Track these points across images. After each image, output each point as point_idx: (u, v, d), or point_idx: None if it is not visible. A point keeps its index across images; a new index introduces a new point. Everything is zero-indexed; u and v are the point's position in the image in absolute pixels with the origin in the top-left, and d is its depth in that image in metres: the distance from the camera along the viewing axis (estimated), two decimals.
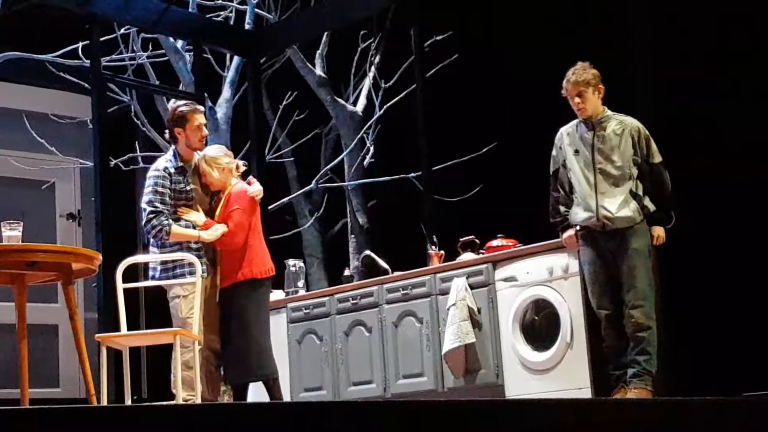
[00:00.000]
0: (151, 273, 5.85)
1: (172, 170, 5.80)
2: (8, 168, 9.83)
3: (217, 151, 6.02)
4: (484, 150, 8.69)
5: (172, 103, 6.51)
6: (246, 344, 5.83)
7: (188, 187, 5.83)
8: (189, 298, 5.63)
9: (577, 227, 5.91)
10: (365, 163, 9.90)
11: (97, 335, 5.39)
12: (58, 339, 10.09)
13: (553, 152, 6.01)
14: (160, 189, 5.75)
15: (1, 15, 8.39)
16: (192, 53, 9.37)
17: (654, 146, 5.82)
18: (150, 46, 9.65)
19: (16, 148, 9.98)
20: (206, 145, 6.01)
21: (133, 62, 9.54)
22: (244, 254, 5.89)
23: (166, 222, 5.69)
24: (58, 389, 9.88)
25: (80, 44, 8.97)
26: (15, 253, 4.42)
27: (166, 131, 6.00)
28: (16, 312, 4.65)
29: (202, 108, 6.01)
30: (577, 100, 5.79)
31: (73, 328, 4.70)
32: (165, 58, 9.59)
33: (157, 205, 5.72)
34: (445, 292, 6.69)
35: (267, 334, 6.00)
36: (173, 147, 5.91)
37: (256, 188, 5.97)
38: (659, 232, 5.80)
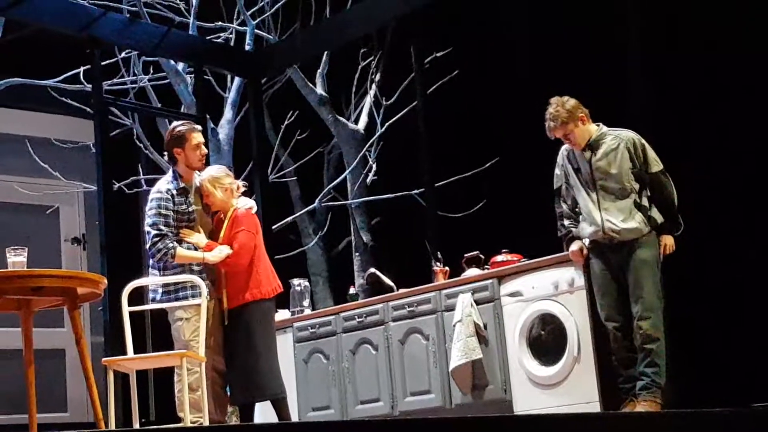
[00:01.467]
0: (151, 296, 5.83)
1: (174, 192, 5.81)
2: (12, 194, 9.85)
3: (219, 171, 6.03)
4: (487, 165, 8.70)
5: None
6: (253, 364, 5.82)
7: (190, 209, 5.84)
8: (192, 320, 5.63)
9: (586, 241, 5.93)
10: (368, 180, 9.90)
11: (103, 359, 5.39)
12: (65, 363, 10.08)
13: (556, 170, 6.05)
14: (163, 211, 5.76)
15: (3, 41, 8.42)
16: (193, 75, 9.40)
17: (651, 155, 5.82)
18: (151, 69, 9.68)
19: (20, 173, 10.00)
20: (207, 164, 6.03)
21: (134, 85, 9.57)
22: (251, 275, 5.90)
23: (171, 245, 5.70)
24: (66, 414, 9.87)
25: (81, 69, 9.00)
26: (20, 279, 4.42)
27: (165, 153, 6.02)
28: (22, 338, 4.64)
29: (199, 127, 6.02)
30: (564, 140, 5.86)
31: (79, 353, 4.70)
32: (166, 81, 9.62)
33: (162, 227, 5.73)
34: (450, 309, 6.68)
35: (274, 353, 6.00)
36: (173, 168, 5.92)
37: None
38: (668, 241, 5.81)
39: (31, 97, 9.38)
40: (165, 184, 5.85)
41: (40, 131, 9.92)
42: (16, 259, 4.56)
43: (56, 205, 10.10)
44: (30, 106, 9.76)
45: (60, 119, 9.83)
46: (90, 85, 8.75)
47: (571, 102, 5.82)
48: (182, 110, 9.56)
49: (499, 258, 6.75)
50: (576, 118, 5.79)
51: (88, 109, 9.03)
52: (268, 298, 5.96)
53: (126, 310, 5.44)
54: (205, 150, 5.92)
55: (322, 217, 10.32)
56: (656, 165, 5.82)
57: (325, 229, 10.19)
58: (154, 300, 5.78)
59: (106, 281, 4.81)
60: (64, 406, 10.05)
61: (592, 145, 5.85)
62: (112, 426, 5.29)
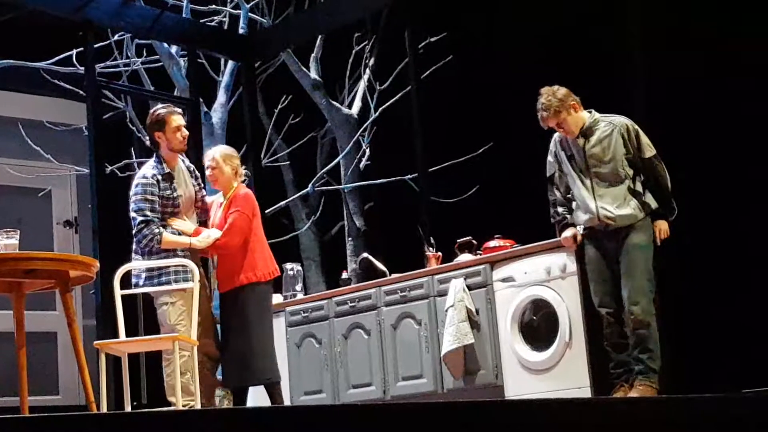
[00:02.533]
0: (134, 280, 5.76)
1: (159, 177, 5.78)
2: (4, 176, 9.82)
3: (231, 150, 6.11)
4: (480, 151, 8.70)
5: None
6: (248, 348, 5.81)
7: (175, 194, 5.80)
8: (177, 304, 5.61)
9: (581, 228, 5.93)
10: (361, 165, 9.90)
11: (95, 342, 5.38)
12: (57, 346, 10.08)
13: (549, 158, 6.05)
14: (149, 197, 5.72)
15: None
16: (186, 58, 9.37)
17: (645, 140, 5.83)
18: (144, 52, 9.65)
19: (12, 156, 9.97)
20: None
21: (127, 68, 9.54)
22: (245, 258, 5.88)
23: (157, 231, 5.67)
24: (57, 396, 9.88)
25: (74, 51, 8.97)
26: (12, 262, 4.42)
27: (147, 138, 6.01)
28: (14, 320, 4.64)
29: (179, 110, 5.96)
30: (557, 129, 5.86)
31: (71, 336, 4.69)
32: (159, 64, 9.60)
33: (147, 213, 5.70)
34: (443, 294, 6.69)
35: (270, 337, 5.99)
36: (156, 153, 5.89)
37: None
38: (662, 226, 5.82)
39: (24, 79, 9.35)
40: (150, 169, 5.82)
41: (33, 113, 9.89)
42: (8, 242, 4.55)
43: (48, 188, 10.08)
44: (22, 89, 9.72)
45: (52, 102, 9.80)
46: (83, 68, 8.72)
47: (561, 91, 5.82)
48: (175, 93, 9.53)
49: (492, 243, 6.75)
50: (568, 107, 5.79)
51: (81, 92, 9.01)
52: (264, 281, 5.95)
53: (118, 293, 5.44)
54: (186, 132, 5.86)
55: (315, 201, 10.32)
56: (650, 150, 5.82)
57: (318, 213, 10.18)
58: (136, 285, 5.73)
59: (98, 264, 4.81)
60: (55, 388, 10.05)
61: (586, 133, 5.85)
62: (104, 409, 5.30)
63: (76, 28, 8.32)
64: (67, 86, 9.29)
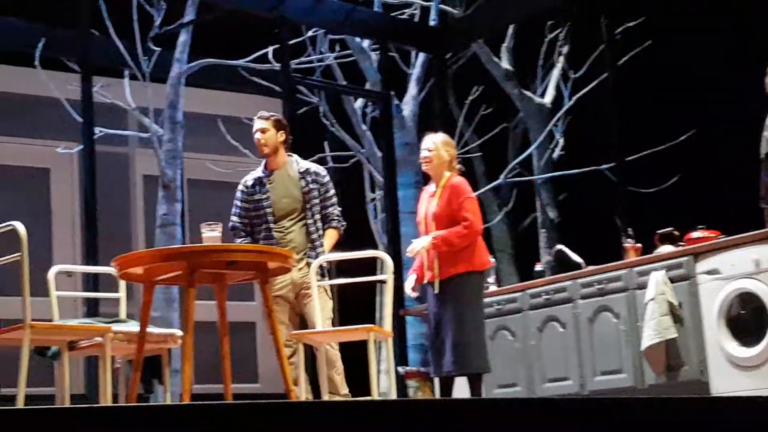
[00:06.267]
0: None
1: (250, 183, 5.77)
2: (205, 171, 10.17)
3: (450, 139, 6.15)
4: (681, 138, 8.39)
5: None
6: (463, 337, 5.76)
7: (263, 196, 5.70)
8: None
9: None
10: (555, 155, 9.74)
11: (291, 332, 5.46)
12: (256, 336, 10.36)
13: (765, 133, 5.67)
14: (237, 202, 5.79)
15: (196, 23, 8.67)
16: (378, 52, 9.43)
17: None
18: (337, 47, 9.77)
19: (212, 151, 10.31)
20: (266, 151, 5.78)
21: (320, 64, 9.68)
22: (467, 246, 5.84)
23: (238, 242, 5.67)
24: (257, 384, 10.16)
25: (270, 49, 9.17)
26: (215, 254, 4.51)
27: None
28: (217, 310, 4.76)
29: (262, 113, 5.84)
30: None
31: (270, 325, 4.77)
32: (352, 58, 9.69)
33: (233, 218, 5.77)
34: (642, 287, 6.48)
35: (483, 327, 5.95)
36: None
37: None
38: None
39: (223, 77, 9.63)
40: (250, 174, 5.83)
41: (232, 110, 10.18)
42: (211, 234, 4.66)
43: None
44: (221, 86, 10.04)
45: (250, 98, 10.06)
46: (278, 64, 8.91)
47: None
48: (367, 87, 9.62)
49: (695, 234, 6.49)
50: None
51: (277, 88, 9.21)
52: (479, 270, 5.91)
53: (315, 285, 5.49)
54: (257, 136, 5.76)
55: (507, 193, 10.23)
56: None
57: (510, 205, 10.08)
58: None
59: (296, 256, 4.86)
60: (255, 377, 10.34)
61: None
62: (303, 398, 5.37)
63: (271, 26, 8.51)
64: (264, 83, 9.51)
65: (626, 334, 6.60)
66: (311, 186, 5.71)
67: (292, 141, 5.89)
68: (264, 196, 5.70)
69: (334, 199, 5.80)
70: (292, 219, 5.69)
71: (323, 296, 5.60)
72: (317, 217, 5.70)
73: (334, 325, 5.84)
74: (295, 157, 5.83)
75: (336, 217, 5.78)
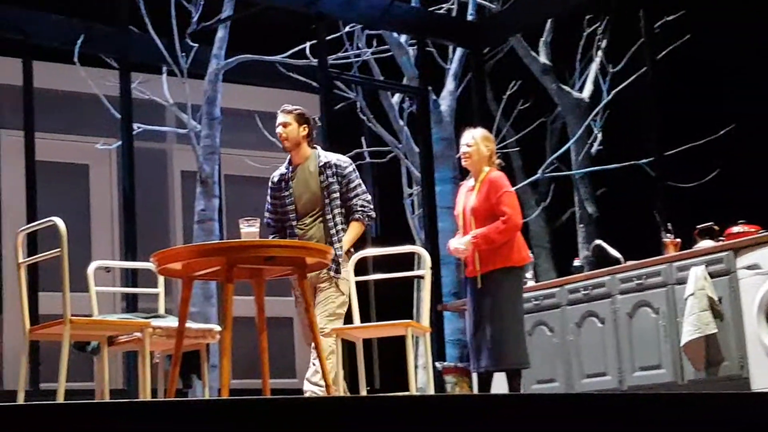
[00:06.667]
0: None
1: (276, 179, 5.71)
2: (242, 166, 10.22)
3: (490, 135, 6.13)
4: (721, 133, 8.31)
5: None
6: (503, 332, 5.74)
7: (287, 193, 5.63)
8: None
9: None
10: (593, 150, 9.68)
11: (331, 327, 5.47)
12: (293, 331, 10.40)
13: None
14: (269, 199, 5.73)
15: (234, 20, 8.71)
16: (415, 47, 9.42)
17: None
18: (374, 42, 9.77)
19: (249, 147, 10.36)
20: (287, 145, 5.67)
21: (358, 59, 9.69)
22: (506, 241, 5.82)
23: (270, 238, 5.60)
24: (294, 380, 10.20)
25: (308, 44, 9.18)
26: (253, 249, 4.53)
27: None
28: (255, 305, 4.78)
29: (285, 107, 5.69)
30: None
31: (309, 321, 4.78)
32: (389, 54, 9.69)
33: (266, 214, 5.72)
34: (682, 282, 6.43)
35: (522, 322, 5.93)
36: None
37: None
38: None
39: (259, 72, 9.65)
40: (277, 170, 5.77)
41: (269, 106, 10.18)
42: (250, 230, 4.67)
43: None
44: (258, 82, 10.07)
45: (287, 94, 10.07)
46: (316, 60, 8.92)
47: None
48: (404, 82, 9.61)
49: (736, 229, 6.43)
50: None
51: (314, 84, 9.22)
52: (519, 266, 5.89)
53: (353, 280, 5.50)
54: (279, 129, 5.62)
55: (545, 188, 10.18)
56: None
57: (548, 200, 10.04)
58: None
59: (333, 251, 4.87)
60: (292, 372, 10.38)
61: None
62: (342, 393, 5.38)
63: (308, 22, 8.52)
64: (301, 78, 9.53)
65: (665, 330, 6.55)
66: (330, 180, 5.56)
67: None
68: (287, 194, 5.63)
69: (359, 190, 5.60)
70: (313, 215, 5.59)
71: (332, 291, 5.47)
72: (337, 211, 5.54)
73: (347, 321, 5.60)
74: (319, 149, 5.69)
75: (360, 209, 5.56)
